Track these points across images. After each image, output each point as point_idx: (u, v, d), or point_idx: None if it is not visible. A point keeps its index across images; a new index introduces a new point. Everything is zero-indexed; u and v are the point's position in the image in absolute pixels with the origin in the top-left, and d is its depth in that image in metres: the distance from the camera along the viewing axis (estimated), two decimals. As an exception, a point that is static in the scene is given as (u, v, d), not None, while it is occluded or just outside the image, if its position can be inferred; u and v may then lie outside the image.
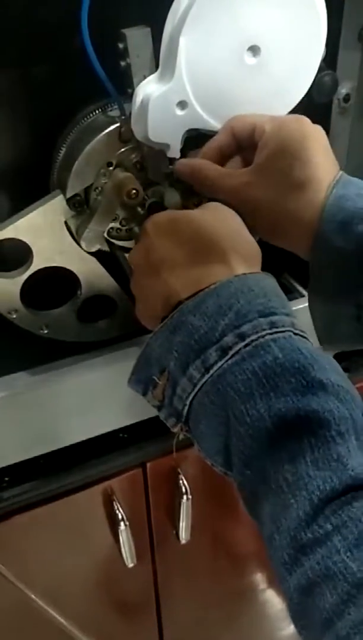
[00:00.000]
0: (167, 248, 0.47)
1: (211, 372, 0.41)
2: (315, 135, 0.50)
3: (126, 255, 0.61)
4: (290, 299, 0.72)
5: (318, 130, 0.51)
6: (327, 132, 0.68)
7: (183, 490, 0.75)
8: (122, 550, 0.76)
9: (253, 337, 0.40)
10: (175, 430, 0.44)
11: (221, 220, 0.48)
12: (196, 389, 0.41)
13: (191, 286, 0.45)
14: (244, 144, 0.52)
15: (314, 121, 0.65)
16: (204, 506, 0.80)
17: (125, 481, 0.72)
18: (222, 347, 0.41)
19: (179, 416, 0.43)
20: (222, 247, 0.46)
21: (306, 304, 0.70)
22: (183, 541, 0.81)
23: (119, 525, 0.73)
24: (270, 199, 0.49)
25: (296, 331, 0.42)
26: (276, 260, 0.58)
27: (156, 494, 0.76)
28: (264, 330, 0.41)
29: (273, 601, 1.09)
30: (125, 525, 0.73)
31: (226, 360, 0.40)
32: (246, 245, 0.48)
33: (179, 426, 0.43)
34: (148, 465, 0.72)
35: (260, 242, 0.51)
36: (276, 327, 0.41)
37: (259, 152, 0.50)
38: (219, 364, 0.41)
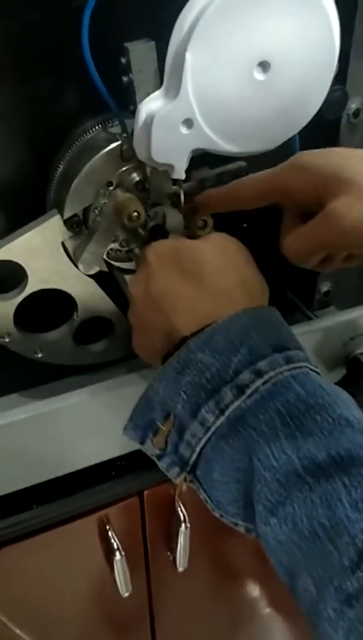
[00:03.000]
0: (168, 280, 0.44)
1: (227, 413, 0.38)
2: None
3: (126, 277, 0.58)
4: (295, 319, 0.70)
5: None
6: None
7: (182, 518, 0.72)
8: (117, 580, 0.73)
9: (271, 373, 0.38)
10: (177, 481, 0.41)
11: (226, 253, 0.46)
12: (209, 433, 0.38)
13: (195, 322, 0.42)
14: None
15: (322, 138, 0.63)
16: (202, 533, 0.77)
17: (121, 509, 0.69)
18: (238, 386, 0.38)
19: (185, 465, 0.40)
20: (227, 281, 0.44)
21: (312, 327, 0.67)
22: (180, 569, 0.78)
23: (114, 555, 0.70)
24: None
25: (312, 367, 0.40)
26: (279, 279, 0.55)
27: (152, 522, 0.73)
28: (281, 366, 0.38)
29: (272, 626, 1.07)
30: (121, 555, 0.70)
31: (244, 400, 0.38)
32: (253, 281, 0.45)
33: (183, 476, 0.40)
34: (145, 493, 0.69)
35: (262, 261, 0.48)
36: (293, 363, 0.39)
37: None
38: (236, 403, 0.38)
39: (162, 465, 0.42)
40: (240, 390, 0.38)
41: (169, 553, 0.78)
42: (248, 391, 0.38)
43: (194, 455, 0.39)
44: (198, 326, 0.41)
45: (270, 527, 0.36)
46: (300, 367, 0.39)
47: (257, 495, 0.37)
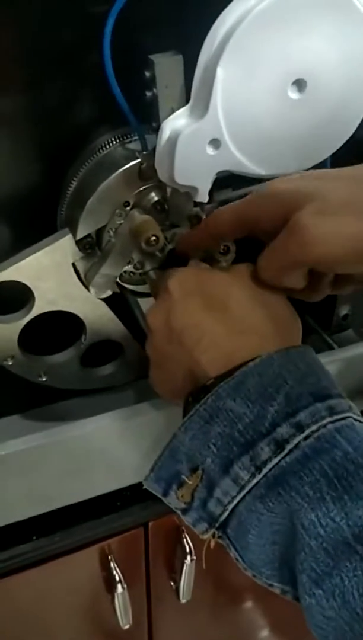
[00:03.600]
0: (192, 312, 0.41)
1: (264, 471, 0.34)
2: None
3: (139, 300, 0.55)
4: (312, 343, 0.66)
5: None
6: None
7: (187, 550, 0.68)
8: (118, 612, 0.69)
9: (313, 427, 0.34)
10: (204, 537, 0.37)
11: (255, 285, 0.42)
12: (243, 492, 0.35)
13: (221, 362, 0.38)
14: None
15: (351, 156, 0.59)
16: (207, 564, 0.74)
17: (124, 540, 0.66)
18: (276, 440, 0.34)
19: (214, 522, 0.36)
20: (256, 317, 0.40)
21: (334, 357, 0.63)
22: (183, 601, 0.74)
23: (116, 588, 0.66)
24: None
25: (356, 416, 0.36)
26: (298, 302, 0.51)
27: (156, 553, 0.70)
28: (324, 418, 0.34)
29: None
30: (122, 588, 0.66)
31: (284, 457, 0.34)
32: (284, 316, 0.41)
33: (212, 533, 0.37)
34: (150, 524, 0.65)
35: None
36: (337, 414, 0.35)
37: None
38: (275, 461, 0.34)
39: (187, 520, 0.38)
40: (279, 445, 0.34)
41: (172, 583, 0.75)
42: (288, 447, 0.34)
43: (226, 514, 0.36)
44: (225, 366, 0.38)
45: (315, 600, 0.32)
46: (343, 419, 0.35)
47: (300, 564, 0.33)
